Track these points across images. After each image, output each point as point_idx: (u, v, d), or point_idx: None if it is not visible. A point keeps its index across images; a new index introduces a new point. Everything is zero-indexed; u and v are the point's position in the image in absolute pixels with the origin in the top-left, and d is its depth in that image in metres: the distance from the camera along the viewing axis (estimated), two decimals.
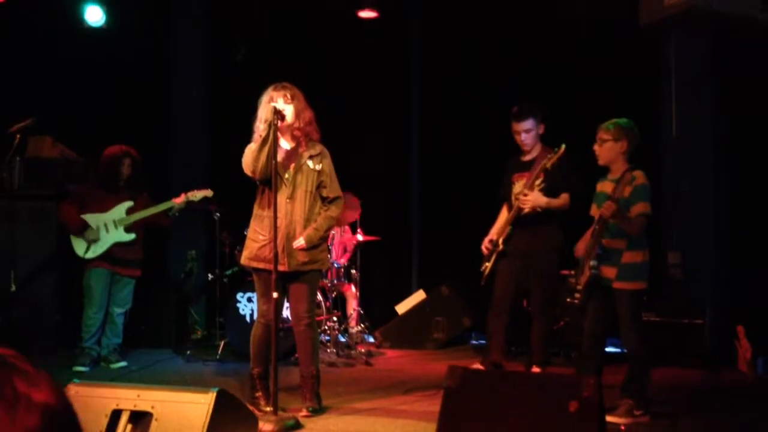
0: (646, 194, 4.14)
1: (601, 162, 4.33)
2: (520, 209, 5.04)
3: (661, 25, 5.03)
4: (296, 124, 4.33)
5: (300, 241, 4.30)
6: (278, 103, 4.22)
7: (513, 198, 5.12)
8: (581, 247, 4.33)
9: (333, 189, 4.45)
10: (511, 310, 5.27)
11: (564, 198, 5.03)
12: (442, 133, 7.61)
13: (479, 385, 2.89)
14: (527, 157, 5.20)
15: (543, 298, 5.17)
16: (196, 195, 5.72)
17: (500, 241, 5.15)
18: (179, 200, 5.71)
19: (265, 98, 4.31)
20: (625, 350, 4.43)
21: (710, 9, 4.55)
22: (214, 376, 5.57)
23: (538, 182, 5.01)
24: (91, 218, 5.73)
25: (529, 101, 5.27)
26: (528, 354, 5.34)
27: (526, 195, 4.97)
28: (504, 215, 5.27)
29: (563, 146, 4.83)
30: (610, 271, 4.17)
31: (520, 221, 5.09)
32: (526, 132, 5.13)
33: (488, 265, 5.19)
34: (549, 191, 5.02)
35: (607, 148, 4.27)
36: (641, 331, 4.22)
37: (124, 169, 5.82)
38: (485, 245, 5.22)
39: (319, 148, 4.44)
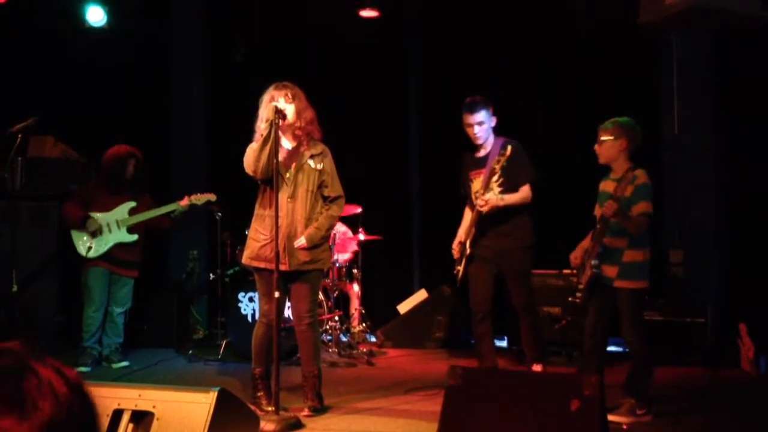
0: (647, 193, 4.13)
1: (601, 161, 4.32)
2: (481, 210, 4.91)
3: (662, 25, 5.01)
4: (297, 124, 4.33)
5: (301, 241, 4.30)
6: (279, 103, 4.22)
7: (473, 197, 4.98)
8: (578, 255, 4.32)
9: (334, 188, 4.45)
10: (506, 311, 5.22)
11: (524, 191, 4.90)
12: (442, 131, 7.58)
13: (480, 384, 2.88)
14: (481, 153, 5.04)
15: (526, 296, 5.06)
16: (200, 199, 5.74)
17: (468, 243, 5.01)
18: (183, 203, 5.72)
19: (266, 98, 4.31)
20: (627, 349, 4.43)
21: (711, 7, 4.53)
22: (215, 375, 5.58)
23: (494, 178, 4.88)
24: (93, 217, 5.73)
25: (482, 94, 5.08)
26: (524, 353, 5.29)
27: (485, 202, 4.82)
28: (468, 214, 5.12)
29: (510, 148, 4.71)
30: (611, 270, 4.17)
31: (488, 220, 4.94)
32: (479, 125, 4.95)
33: (460, 268, 5.08)
34: (508, 186, 4.89)
35: (607, 147, 4.26)
36: (643, 330, 4.21)
37: (128, 170, 5.83)
38: (455, 247, 5.13)
39: (320, 147, 4.44)
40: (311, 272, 4.39)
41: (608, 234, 4.19)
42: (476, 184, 4.99)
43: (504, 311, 5.53)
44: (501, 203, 4.85)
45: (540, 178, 4.97)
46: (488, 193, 4.83)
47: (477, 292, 5.03)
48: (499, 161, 4.74)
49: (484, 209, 4.85)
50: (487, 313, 5.03)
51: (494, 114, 5.02)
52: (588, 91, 6.54)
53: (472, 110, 4.95)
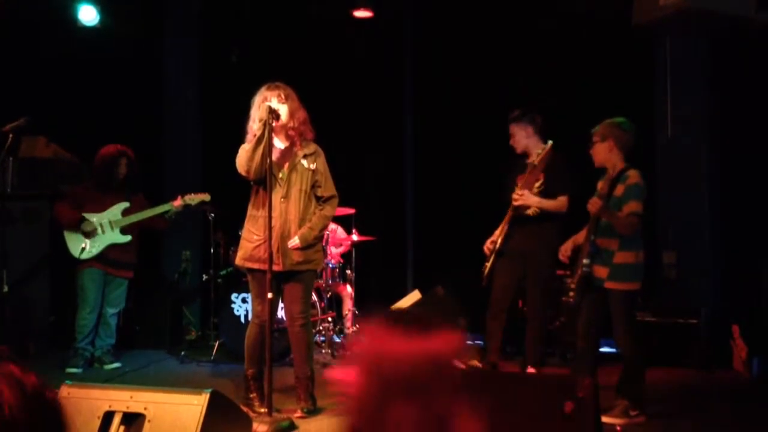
0: (638, 193, 4.12)
1: (596, 164, 4.32)
2: (517, 209, 5.08)
3: (655, 27, 5.02)
4: (290, 124, 4.32)
5: (295, 240, 4.29)
6: (272, 103, 4.20)
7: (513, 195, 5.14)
8: (567, 248, 4.33)
9: (328, 188, 4.44)
10: (509, 311, 5.27)
11: (561, 200, 5.04)
12: (436, 132, 7.60)
13: (473, 385, 2.87)
14: (530, 159, 5.21)
15: (538, 299, 5.17)
16: (194, 199, 5.70)
17: (499, 240, 5.17)
18: (177, 203, 5.69)
19: (258, 98, 4.30)
20: (619, 350, 4.43)
21: (704, 9, 4.54)
22: (208, 377, 5.56)
23: (537, 184, 5.04)
24: (86, 218, 5.70)
25: (526, 103, 5.29)
26: (523, 355, 5.34)
27: (521, 195, 5.00)
28: (507, 217, 5.28)
29: (550, 142, 4.84)
30: (601, 271, 4.16)
31: (519, 222, 5.11)
32: (521, 134, 5.16)
33: (488, 265, 5.20)
34: (547, 192, 5.04)
35: (596, 150, 4.29)
36: (634, 332, 4.20)
37: (120, 169, 5.80)
38: (487, 246, 5.23)
39: (313, 147, 4.43)
40: (304, 273, 4.37)
41: (600, 234, 4.18)
42: (518, 188, 5.12)
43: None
44: (534, 201, 5.00)
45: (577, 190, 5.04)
46: (526, 192, 4.99)
47: (497, 288, 5.19)
48: (539, 155, 4.86)
49: (518, 202, 5.00)
50: (502, 310, 5.18)
51: (540, 124, 5.21)
52: (583, 92, 6.55)
53: (516, 121, 5.21)
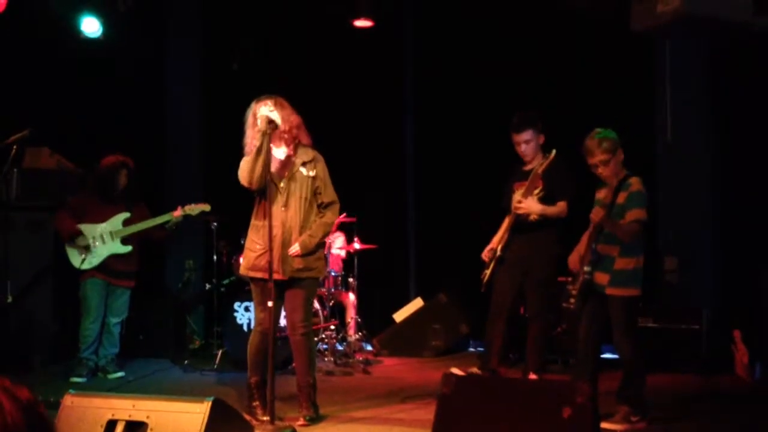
0: (641, 201, 4.14)
1: (607, 181, 4.26)
2: (518, 216, 5.10)
3: (654, 32, 5.04)
4: (284, 128, 4.34)
5: (295, 247, 4.31)
6: (265, 111, 4.24)
7: (513, 203, 5.17)
8: (575, 258, 4.33)
9: (328, 194, 4.47)
10: (509, 317, 5.29)
11: (560, 206, 5.07)
12: (437, 140, 7.63)
13: (473, 391, 2.89)
14: (528, 167, 5.26)
15: (539, 305, 5.20)
16: (194, 209, 5.72)
17: (499, 248, 5.21)
18: (177, 213, 5.71)
19: (249, 114, 4.34)
20: (619, 356, 4.43)
21: (702, 15, 4.56)
22: (211, 385, 5.58)
23: (536, 191, 5.07)
24: (87, 228, 5.73)
25: (528, 111, 5.30)
26: (525, 361, 5.35)
27: (521, 202, 5.02)
28: (505, 223, 5.31)
29: (554, 151, 4.89)
30: (602, 277, 4.18)
31: (519, 228, 5.15)
32: (526, 143, 5.20)
33: (487, 272, 5.23)
34: (546, 199, 5.06)
35: (605, 171, 4.17)
36: (634, 338, 4.20)
37: (120, 180, 5.82)
38: (485, 253, 5.26)
39: (311, 153, 4.45)
40: (305, 280, 4.39)
41: (601, 240, 4.20)
42: (518, 195, 5.16)
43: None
44: (537, 209, 5.04)
45: (577, 194, 5.05)
46: (528, 199, 5.03)
47: (497, 294, 5.23)
48: (542, 164, 4.92)
49: (520, 211, 5.05)
50: (502, 317, 5.21)
51: (542, 131, 5.23)
52: (583, 97, 6.57)
53: (518, 129, 5.21)
